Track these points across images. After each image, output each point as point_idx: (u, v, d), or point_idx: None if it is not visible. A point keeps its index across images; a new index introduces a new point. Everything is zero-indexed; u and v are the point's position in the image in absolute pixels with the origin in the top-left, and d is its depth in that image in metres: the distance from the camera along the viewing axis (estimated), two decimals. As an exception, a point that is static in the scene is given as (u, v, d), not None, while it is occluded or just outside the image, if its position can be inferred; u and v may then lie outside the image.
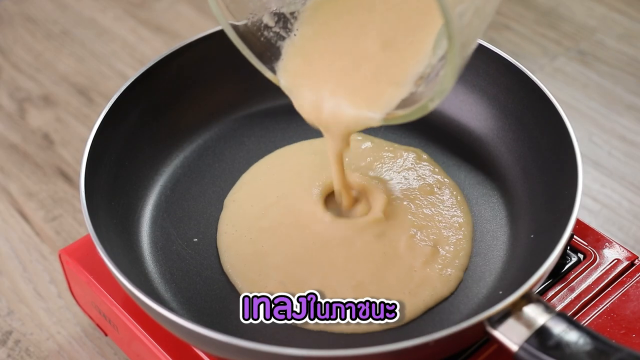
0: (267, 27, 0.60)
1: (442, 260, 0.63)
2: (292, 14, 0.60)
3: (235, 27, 0.59)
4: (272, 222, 0.67)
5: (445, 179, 0.70)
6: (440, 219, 0.66)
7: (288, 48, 0.61)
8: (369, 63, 0.58)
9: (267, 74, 0.61)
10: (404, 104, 0.56)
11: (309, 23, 0.60)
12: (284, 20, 0.60)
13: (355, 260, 0.63)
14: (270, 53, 0.61)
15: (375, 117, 0.57)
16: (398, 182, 0.69)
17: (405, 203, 0.67)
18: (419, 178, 0.70)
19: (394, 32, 0.57)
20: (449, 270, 0.63)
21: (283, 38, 0.61)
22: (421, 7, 0.56)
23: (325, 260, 0.63)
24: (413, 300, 0.61)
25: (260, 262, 0.64)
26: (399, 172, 0.70)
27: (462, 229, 0.65)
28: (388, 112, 0.57)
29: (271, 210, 0.67)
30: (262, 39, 0.60)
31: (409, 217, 0.66)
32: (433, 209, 0.67)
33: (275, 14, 0.60)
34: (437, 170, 0.70)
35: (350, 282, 0.62)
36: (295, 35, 0.60)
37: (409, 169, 0.71)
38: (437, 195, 0.68)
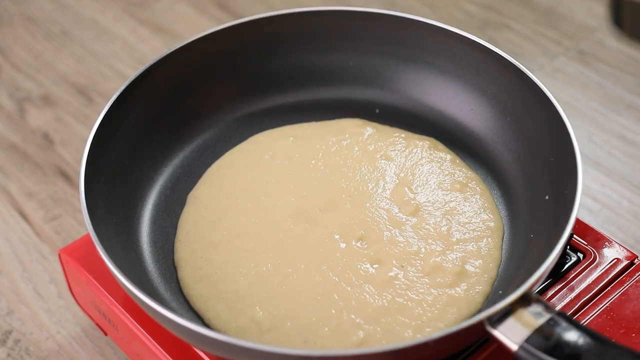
0: None
1: (469, 278, 0.60)
2: None
3: None
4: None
5: (470, 173, 0.68)
6: (470, 226, 0.63)
7: None
8: None
9: None
10: None
11: None
12: None
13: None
14: None
15: None
16: (423, 181, 0.67)
17: (430, 209, 0.64)
18: (444, 172, 0.67)
19: None
20: (477, 288, 0.60)
21: None
22: None
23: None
24: (435, 324, 0.58)
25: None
26: (422, 165, 0.68)
27: (494, 235, 0.63)
28: None
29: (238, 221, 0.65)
30: None
31: (432, 230, 0.63)
32: (464, 216, 0.64)
33: None
34: (458, 161, 0.69)
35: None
36: None
37: (431, 160, 0.69)
38: (467, 194, 0.66)
